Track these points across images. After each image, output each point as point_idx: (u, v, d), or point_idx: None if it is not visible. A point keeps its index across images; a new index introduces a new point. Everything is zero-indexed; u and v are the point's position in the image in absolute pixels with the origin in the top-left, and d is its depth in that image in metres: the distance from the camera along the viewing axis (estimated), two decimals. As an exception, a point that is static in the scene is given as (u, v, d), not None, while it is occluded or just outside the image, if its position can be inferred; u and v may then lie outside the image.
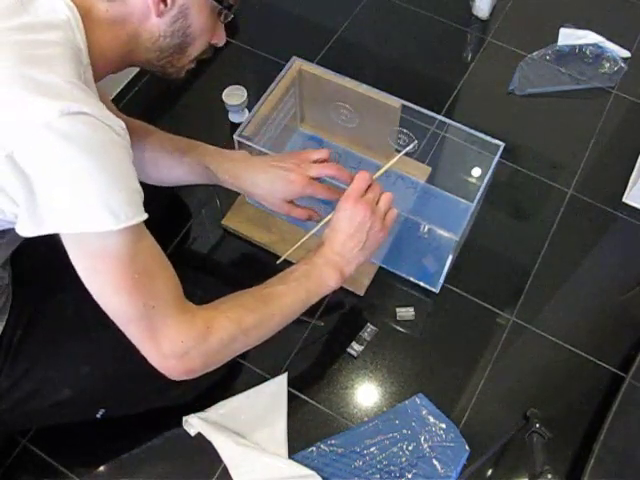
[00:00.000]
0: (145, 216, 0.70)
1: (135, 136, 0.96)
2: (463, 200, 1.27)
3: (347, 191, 0.92)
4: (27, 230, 0.66)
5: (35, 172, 0.63)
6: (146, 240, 0.72)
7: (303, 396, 1.12)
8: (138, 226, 0.69)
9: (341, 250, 0.92)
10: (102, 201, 0.65)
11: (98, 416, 0.97)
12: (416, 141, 1.07)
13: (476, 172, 1.25)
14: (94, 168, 0.64)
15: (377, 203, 0.93)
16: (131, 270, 0.70)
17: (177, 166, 1.02)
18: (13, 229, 0.69)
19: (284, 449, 1.05)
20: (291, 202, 1.02)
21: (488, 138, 1.11)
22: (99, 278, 0.70)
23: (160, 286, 0.74)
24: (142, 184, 0.71)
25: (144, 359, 0.77)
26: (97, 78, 0.75)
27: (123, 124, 0.69)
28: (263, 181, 0.99)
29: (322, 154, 1.02)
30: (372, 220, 0.91)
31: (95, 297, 0.72)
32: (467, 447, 1.05)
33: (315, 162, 1.01)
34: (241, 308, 0.83)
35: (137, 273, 0.71)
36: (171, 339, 0.76)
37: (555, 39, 1.57)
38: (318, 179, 1.00)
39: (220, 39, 0.86)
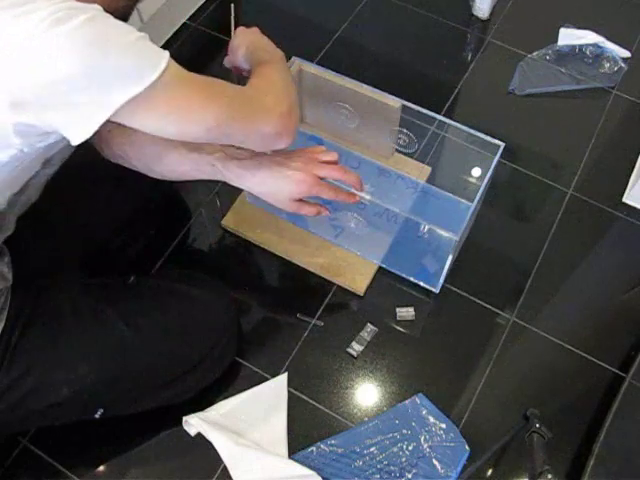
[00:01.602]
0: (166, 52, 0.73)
1: (141, 131, 0.96)
2: (463, 200, 1.27)
3: None
4: (82, 135, 0.69)
5: (49, 90, 0.65)
6: (181, 68, 0.76)
7: (303, 396, 1.12)
8: (170, 59, 0.72)
9: None
10: (127, 63, 0.67)
11: (97, 416, 0.97)
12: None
13: (476, 172, 1.25)
14: (98, 45, 0.65)
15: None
16: (195, 85, 0.75)
17: (182, 162, 1.01)
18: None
19: (284, 449, 1.05)
20: (299, 200, 1.01)
21: (488, 138, 1.11)
22: (179, 115, 0.74)
23: (225, 85, 0.80)
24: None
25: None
26: None
27: (94, 4, 0.70)
28: (270, 180, 0.99)
29: (332, 157, 1.01)
30: None
31: (194, 137, 0.78)
32: (467, 447, 1.06)
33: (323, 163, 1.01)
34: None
35: (201, 83, 0.76)
36: (272, 100, 0.84)
37: (555, 39, 1.57)
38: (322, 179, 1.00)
39: None
